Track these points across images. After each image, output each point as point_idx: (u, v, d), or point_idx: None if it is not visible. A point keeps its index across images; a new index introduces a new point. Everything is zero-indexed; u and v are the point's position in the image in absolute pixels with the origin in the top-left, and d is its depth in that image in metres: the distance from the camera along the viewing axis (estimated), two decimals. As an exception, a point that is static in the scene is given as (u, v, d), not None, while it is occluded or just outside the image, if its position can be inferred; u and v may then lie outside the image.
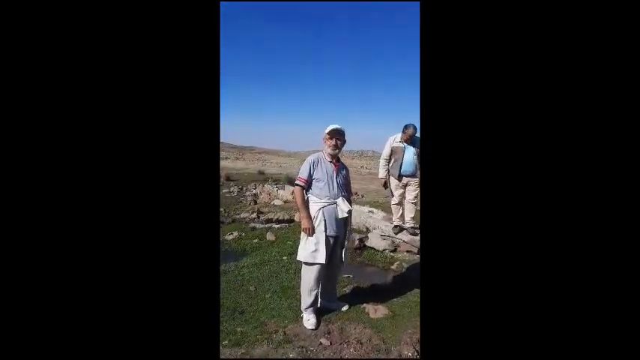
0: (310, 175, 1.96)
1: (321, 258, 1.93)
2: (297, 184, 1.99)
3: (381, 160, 3.27)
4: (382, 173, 3.24)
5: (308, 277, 2.00)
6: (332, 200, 1.95)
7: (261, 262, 3.00)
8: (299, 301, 2.14)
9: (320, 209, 1.95)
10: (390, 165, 3.19)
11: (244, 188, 8.13)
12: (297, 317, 2.08)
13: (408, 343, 1.81)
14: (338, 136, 1.96)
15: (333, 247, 2.02)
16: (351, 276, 2.74)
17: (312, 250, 1.94)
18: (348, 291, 2.49)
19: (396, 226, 3.45)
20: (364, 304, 2.23)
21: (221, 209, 5.43)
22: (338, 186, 1.98)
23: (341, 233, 2.02)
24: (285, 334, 1.93)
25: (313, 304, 2.03)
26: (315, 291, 2.02)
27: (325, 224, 1.94)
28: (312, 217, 1.95)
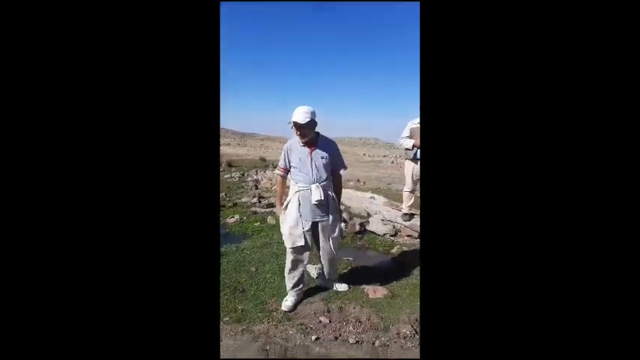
0: (287, 163, 1.98)
1: (294, 242, 1.94)
2: (277, 173, 2.06)
3: (401, 141, 3.12)
4: (408, 142, 3.05)
5: (287, 260, 2.03)
6: (307, 185, 1.91)
7: (262, 245, 3.03)
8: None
9: (296, 193, 1.95)
10: (409, 148, 3.06)
11: (246, 174, 8.13)
12: (295, 296, 2.11)
13: (406, 322, 1.84)
14: (299, 129, 1.84)
15: (315, 232, 2.01)
16: (350, 259, 2.77)
17: (287, 234, 1.95)
18: (348, 273, 2.52)
19: (405, 214, 3.41)
20: (364, 285, 2.25)
21: (222, 193, 5.45)
22: (312, 171, 1.90)
23: (320, 219, 1.97)
24: (285, 312, 1.96)
25: (294, 286, 2.04)
26: (293, 274, 2.02)
27: (300, 209, 1.93)
28: (289, 200, 1.98)
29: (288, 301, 2.00)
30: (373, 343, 1.69)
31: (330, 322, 1.87)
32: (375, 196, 4.88)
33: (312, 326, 1.83)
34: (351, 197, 4.78)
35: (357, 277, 2.44)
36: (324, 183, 1.92)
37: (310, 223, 1.95)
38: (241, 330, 1.78)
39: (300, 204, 1.92)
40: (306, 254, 2.01)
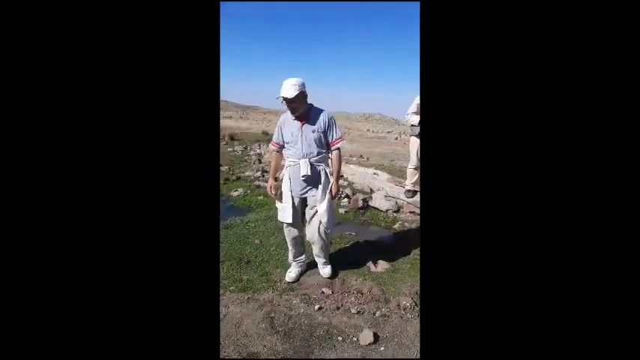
0: (280, 138, 1.94)
1: (284, 217, 1.94)
2: (271, 148, 2.02)
3: (407, 117, 3.10)
4: (414, 118, 3.03)
5: (284, 235, 2.07)
6: (296, 160, 1.86)
7: (266, 218, 3.07)
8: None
9: (287, 168, 1.92)
10: (415, 124, 3.05)
11: (248, 147, 8.10)
12: (299, 267, 2.17)
13: (406, 294, 1.90)
14: (289, 104, 1.77)
15: (304, 208, 1.96)
16: (353, 233, 2.81)
17: (280, 209, 1.96)
18: (350, 247, 2.57)
19: (409, 191, 3.45)
20: (365, 259, 2.30)
21: (226, 167, 5.46)
22: (302, 146, 1.83)
23: (310, 195, 1.91)
24: (288, 282, 2.02)
25: (294, 258, 2.08)
26: (292, 247, 2.05)
27: (290, 185, 1.90)
28: (281, 176, 1.97)
29: (291, 273, 2.06)
30: (374, 314, 1.76)
31: (332, 292, 1.93)
32: (379, 172, 4.87)
33: (315, 296, 1.89)
34: (354, 173, 4.78)
35: (360, 251, 2.49)
36: (315, 158, 1.84)
37: (299, 199, 1.92)
38: (247, 298, 1.84)
39: (290, 180, 1.90)
40: (299, 229, 2.01)
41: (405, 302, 1.83)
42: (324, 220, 1.92)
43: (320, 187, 1.89)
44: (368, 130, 19.78)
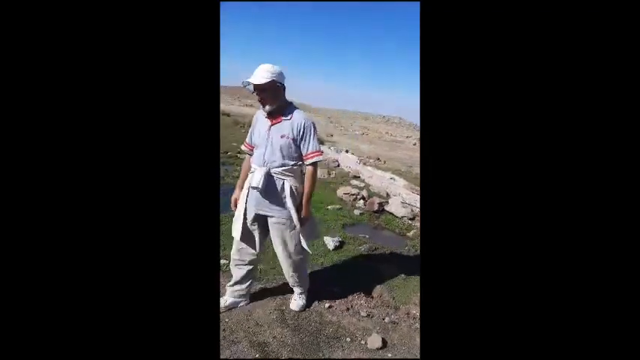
0: (251, 138, 1.61)
1: (233, 231, 1.62)
2: (243, 149, 1.69)
3: None
4: None
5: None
6: (256, 167, 1.54)
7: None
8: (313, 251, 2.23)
9: (249, 175, 1.59)
10: None
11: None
12: (311, 265, 2.19)
13: (416, 304, 1.90)
14: (257, 93, 1.45)
15: (264, 227, 1.60)
16: (367, 236, 2.82)
17: (233, 220, 1.63)
18: (362, 250, 2.57)
19: None
20: (377, 264, 2.31)
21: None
22: (265, 150, 1.50)
23: (267, 212, 1.55)
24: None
25: (232, 285, 1.69)
26: (233, 271, 1.69)
27: (247, 196, 1.57)
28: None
29: (223, 300, 1.68)
30: (383, 319, 1.77)
31: (342, 293, 1.95)
32: (395, 177, 4.84)
33: (325, 295, 1.91)
34: (371, 175, 4.77)
35: (372, 255, 2.50)
36: (277, 168, 1.50)
37: (253, 214, 1.57)
38: (259, 288, 1.88)
39: (248, 190, 1.56)
40: (248, 252, 1.63)
41: (414, 312, 1.83)
42: (293, 247, 1.60)
43: (285, 206, 1.53)
44: (387, 132, 19.62)
